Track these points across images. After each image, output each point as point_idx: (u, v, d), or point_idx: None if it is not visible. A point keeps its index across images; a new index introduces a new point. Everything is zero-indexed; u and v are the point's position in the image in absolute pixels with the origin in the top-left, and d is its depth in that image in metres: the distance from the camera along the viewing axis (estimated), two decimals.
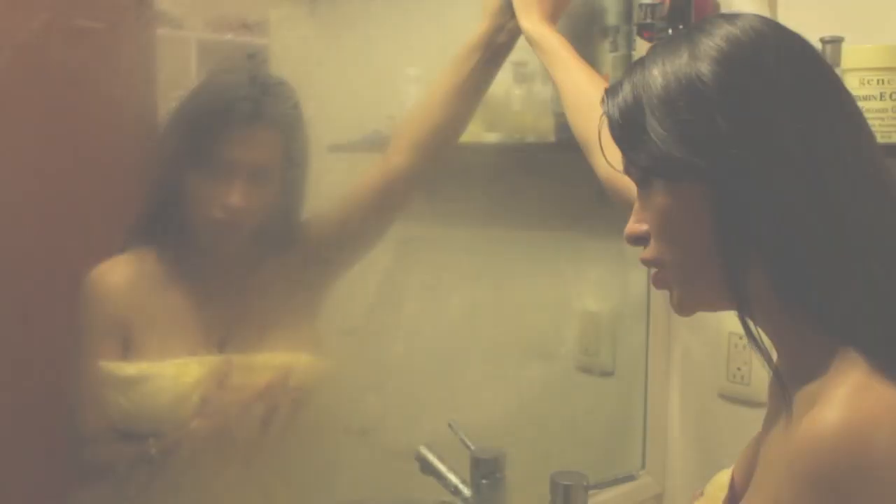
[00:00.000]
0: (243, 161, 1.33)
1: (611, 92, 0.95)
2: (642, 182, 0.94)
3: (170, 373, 1.31)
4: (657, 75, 0.90)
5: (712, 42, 0.89)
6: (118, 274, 1.32)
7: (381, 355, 1.56)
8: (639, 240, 0.95)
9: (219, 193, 1.33)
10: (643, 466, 1.98)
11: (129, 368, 1.30)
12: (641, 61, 0.94)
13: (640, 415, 1.97)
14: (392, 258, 1.58)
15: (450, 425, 1.65)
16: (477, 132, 1.68)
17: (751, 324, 0.92)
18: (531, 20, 1.43)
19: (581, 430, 1.86)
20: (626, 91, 0.93)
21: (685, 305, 0.96)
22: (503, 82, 1.75)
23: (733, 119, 0.86)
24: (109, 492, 1.33)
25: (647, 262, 0.96)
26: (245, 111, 1.33)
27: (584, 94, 1.33)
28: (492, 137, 1.71)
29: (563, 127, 1.78)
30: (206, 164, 1.33)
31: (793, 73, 0.88)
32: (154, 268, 1.35)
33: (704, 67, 0.87)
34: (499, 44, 1.48)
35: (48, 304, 1.21)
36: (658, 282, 0.97)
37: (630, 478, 1.59)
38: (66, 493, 1.31)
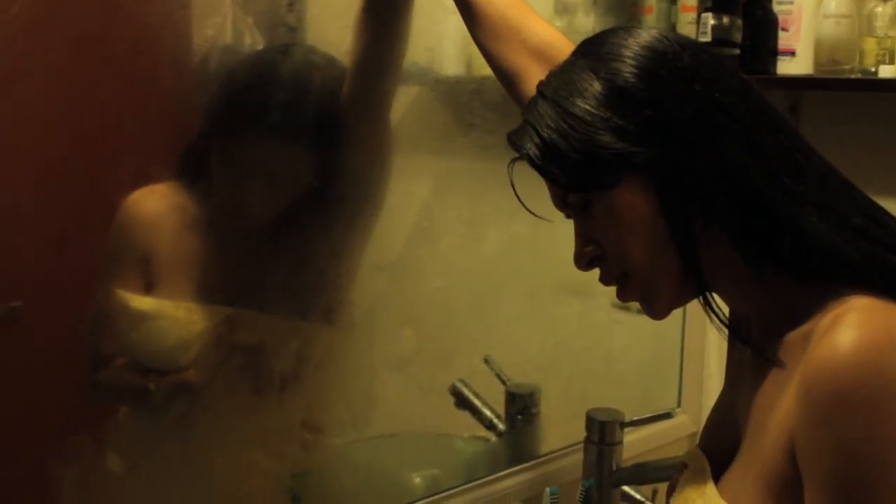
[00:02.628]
0: (264, 166, 1.31)
1: (519, 136, 0.97)
2: (582, 206, 0.96)
3: (178, 316, 1.30)
4: (575, 101, 0.93)
5: (624, 52, 0.94)
6: (149, 205, 1.30)
7: (417, 289, 1.55)
8: (592, 262, 0.99)
9: (234, 190, 1.32)
10: (679, 405, 1.97)
11: (142, 302, 1.29)
12: (538, 101, 0.97)
13: (677, 353, 1.96)
14: (429, 191, 1.56)
15: (486, 360, 1.65)
16: None
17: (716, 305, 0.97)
18: None
19: (617, 367, 1.86)
20: (542, 131, 0.94)
21: (659, 308, 0.98)
22: (543, 13, 1.71)
23: (658, 104, 0.91)
24: (139, 415, 1.34)
25: (610, 279, 0.99)
26: (276, 120, 1.31)
27: (503, 18, 1.20)
28: None
29: None
30: (228, 155, 1.32)
31: (688, 54, 0.94)
32: (186, 205, 1.33)
33: (625, 71, 0.92)
34: None
35: (81, 228, 1.21)
36: (625, 294, 0.99)
37: (666, 416, 1.58)
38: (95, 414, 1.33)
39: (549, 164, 0.94)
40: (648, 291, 0.97)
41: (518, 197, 1.04)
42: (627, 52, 0.93)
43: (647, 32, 0.96)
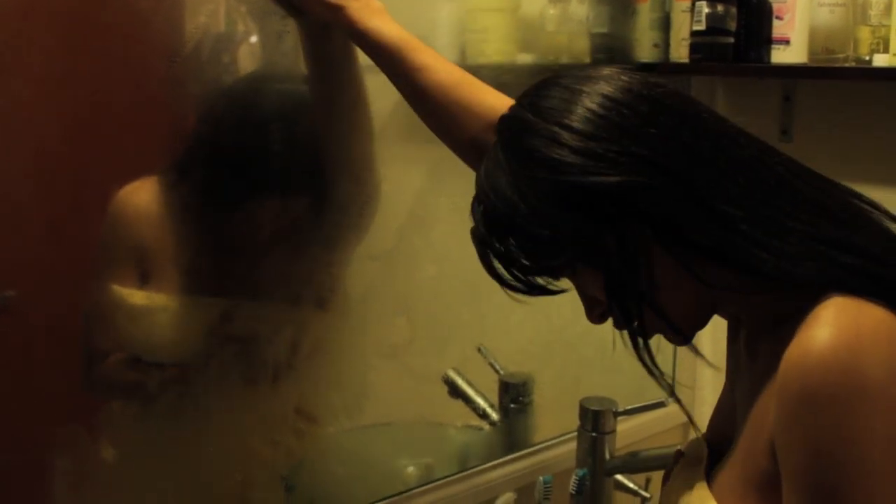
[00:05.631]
0: (267, 225, 1.34)
1: (476, 241, 0.97)
2: (568, 275, 0.96)
3: (175, 309, 1.30)
4: (507, 218, 0.91)
5: (534, 157, 0.89)
6: (142, 197, 1.29)
7: (411, 278, 1.55)
8: (603, 316, 0.98)
9: (245, 219, 1.34)
10: (672, 394, 1.97)
11: (138, 297, 1.28)
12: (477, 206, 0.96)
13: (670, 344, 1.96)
14: (422, 180, 1.56)
15: (479, 349, 1.65)
16: (510, 53, 1.65)
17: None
18: (359, 14, 1.18)
19: (611, 357, 1.85)
20: (493, 234, 0.93)
21: (673, 340, 0.97)
22: (537, 2, 1.70)
23: (578, 210, 0.88)
24: (132, 405, 1.34)
25: (623, 328, 0.96)
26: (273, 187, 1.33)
27: (451, 100, 1.18)
28: (525, 59, 1.67)
29: (598, 48, 1.74)
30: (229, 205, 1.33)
31: (644, 97, 0.91)
32: (179, 196, 1.32)
33: (537, 184, 0.88)
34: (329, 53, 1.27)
35: (74, 217, 1.20)
36: (654, 330, 0.97)
37: (659, 405, 1.58)
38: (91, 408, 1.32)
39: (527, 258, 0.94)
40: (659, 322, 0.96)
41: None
42: (538, 157, 0.89)
43: (564, 109, 0.91)
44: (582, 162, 0.87)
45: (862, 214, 0.92)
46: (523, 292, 0.97)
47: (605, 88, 0.91)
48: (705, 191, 0.87)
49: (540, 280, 0.96)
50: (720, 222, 0.87)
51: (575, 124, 0.89)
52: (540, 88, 0.95)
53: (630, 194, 0.87)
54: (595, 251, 0.89)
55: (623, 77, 0.93)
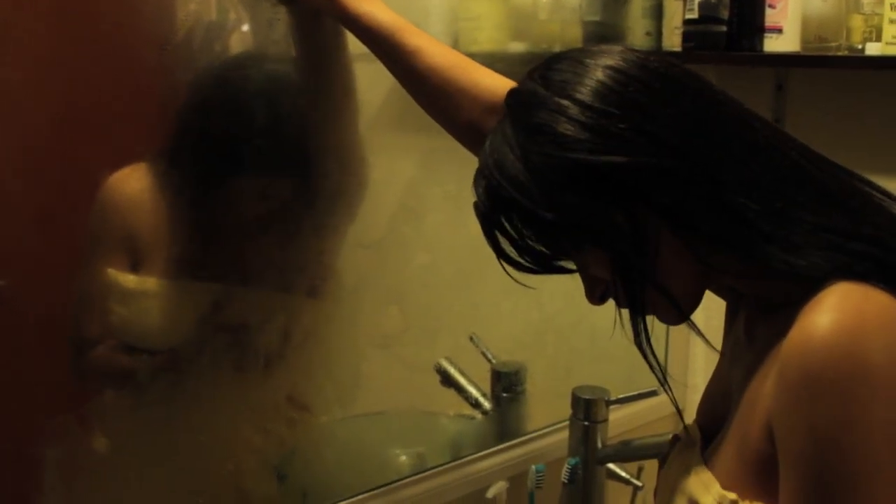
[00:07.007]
0: (256, 211, 1.34)
1: (479, 216, 0.95)
2: (572, 253, 0.94)
3: (166, 293, 1.30)
4: (511, 193, 0.89)
5: (543, 130, 0.88)
6: (133, 185, 1.28)
7: (403, 267, 1.55)
8: (604, 297, 0.97)
9: (229, 215, 1.34)
10: (664, 383, 1.97)
11: (129, 281, 1.28)
12: (481, 180, 0.93)
13: (663, 331, 1.96)
14: (414, 169, 1.55)
15: (471, 338, 1.65)
16: (502, 41, 1.65)
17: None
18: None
19: (603, 345, 1.85)
20: (502, 215, 0.92)
21: (668, 319, 0.96)
22: None
23: (585, 189, 0.87)
24: (124, 393, 1.34)
25: (625, 307, 0.96)
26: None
27: (447, 82, 1.16)
28: (518, 47, 1.67)
29: (590, 36, 1.74)
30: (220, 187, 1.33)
31: (659, 74, 0.90)
32: (170, 183, 1.31)
33: (546, 155, 0.87)
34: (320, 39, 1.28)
35: (65, 206, 1.20)
36: (652, 309, 0.96)
37: (651, 394, 1.58)
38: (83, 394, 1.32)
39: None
40: (662, 301, 0.95)
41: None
42: (546, 131, 0.88)
43: (575, 82, 0.89)
44: (590, 139, 0.86)
45: (871, 201, 0.91)
46: (526, 270, 0.96)
47: (619, 63, 0.90)
48: (717, 176, 0.87)
49: (544, 256, 0.94)
50: (729, 211, 0.86)
51: (585, 98, 0.87)
52: (552, 62, 0.94)
53: (638, 175, 0.86)
54: (601, 231, 0.89)
55: (638, 53, 0.92)
